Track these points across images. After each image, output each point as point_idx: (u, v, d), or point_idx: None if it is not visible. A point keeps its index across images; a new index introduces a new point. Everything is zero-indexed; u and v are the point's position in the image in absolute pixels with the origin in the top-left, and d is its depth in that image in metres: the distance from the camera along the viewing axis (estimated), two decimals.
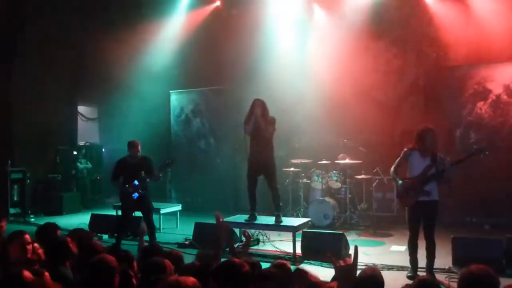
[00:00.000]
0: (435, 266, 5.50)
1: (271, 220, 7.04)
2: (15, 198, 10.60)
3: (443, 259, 5.79)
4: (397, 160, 5.61)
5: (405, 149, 5.55)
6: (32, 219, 10.14)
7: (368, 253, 6.73)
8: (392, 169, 5.64)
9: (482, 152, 5.39)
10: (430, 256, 5.42)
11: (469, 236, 6.43)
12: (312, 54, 10.76)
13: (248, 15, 11.05)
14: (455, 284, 2.93)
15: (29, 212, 10.54)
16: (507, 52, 8.71)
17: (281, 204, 7.13)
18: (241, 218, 7.30)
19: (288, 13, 10.91)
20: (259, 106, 6.71)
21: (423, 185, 5.32)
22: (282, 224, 6.93)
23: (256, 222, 7.04)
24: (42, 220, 8.59)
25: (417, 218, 5.46)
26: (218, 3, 11.69)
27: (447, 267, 5.74)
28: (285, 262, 3.14)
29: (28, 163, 10.87)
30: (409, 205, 5.49)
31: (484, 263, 2.59)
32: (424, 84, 8.94)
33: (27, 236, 3.85)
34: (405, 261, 5.75)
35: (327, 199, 8.64)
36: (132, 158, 6.84)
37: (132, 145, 6.83)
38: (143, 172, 6.72)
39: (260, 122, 6.62)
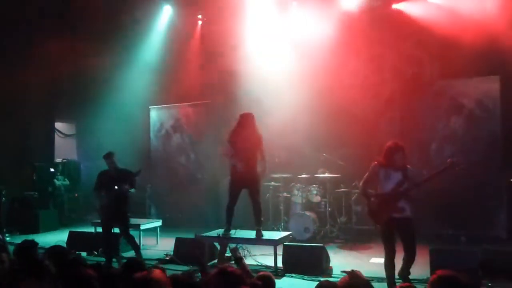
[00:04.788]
0: (414, 277, 5.58)
1: (251, 234, 7.05)
2: None
3: (421, 269, 5.90)
4: (366, 175, 5.41)
5: (374, 164, 5.34)
6: (8, 238, 9.89)
7: (348, 265, 6.80)
8: (361, 184, 5.45)
9: (457, 166, 5.14)
10: (408, 263, 5.21)
11: (446, 248, 6.58)
12: (291, 70, 10.92)
13: (228, 30, 11.20)
14: None
15: (4, 230, 10.28)
16: (478, 68, 9.03)
17: (262, 219, 7.13)
18: (221, 232, 7.28)
19: (268, 29, 11.09)
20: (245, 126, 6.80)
21: (396, 201, 5.12)
22: (263, 238, 6.94)
23: (237, 236, 7.02)
24: (18, 239, 8.40)
25: (392, 235, 5.21)
26: (197, 17, 11.80)
27: (425, 277, 5.84)
28: (269, 274, 3.18)
29: (3, 181, 10.63)
30: (382, 222, 5.21)
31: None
32: (400, 100, 9.16)
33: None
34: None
35: (307, 213, 8.70)
36: (110, 170, 6.82)
37: (105, 157, 6.83)
38: (117, 184, 6.60)
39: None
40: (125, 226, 6.89)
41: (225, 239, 6.78)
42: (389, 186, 5.17)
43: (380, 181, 5.25)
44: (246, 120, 6.82)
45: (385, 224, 5.19)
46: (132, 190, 6.71)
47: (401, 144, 5.28)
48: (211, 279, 2.62)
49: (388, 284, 5.31)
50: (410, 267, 5.25)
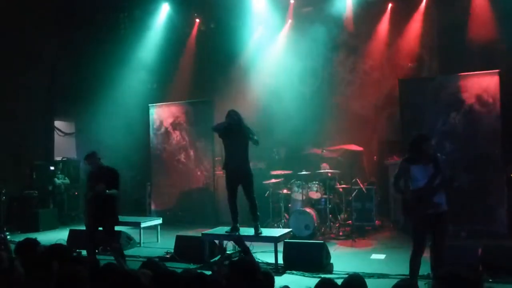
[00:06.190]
0: None
1: (251, 231, 7.05)
2: None
3: (422, 265, 5.88)
4: (396, 173, 5.32)
5: (402, 162, 5.25)
6: (8, 236, 9.88)
7: (349, 262, 6.81)
8: (393, 182, 5.38)
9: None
10: (436, 261, 5.09)
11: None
12: (291, 66, 10.92)
13: (227, 28, 11.19)
14: None
15: (4, 229, 10.27)
16: (478, 63, 9.02)
17: (258, 213, 7.14)
18: (222, 230, 7.30)
19: (266, 26, 11.09)
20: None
21: (432, 196, 4.95)
22: (264, 235, 6.95)
23: (237, 233, 7.02)
24: (18, 237, 8.40)
25: (425, 232, 5.09)
26: (196, 15, 11.79)
27: (426, 273, 5.83)
28: (268, 271, 3.18)
29: (2, 180, 10.62)
30: (418, 219, 5.06)
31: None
32: (399, 95, 9.15)
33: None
34: (385, 269, 5.83)
35: (307, 209, 8.69)
36: (93, 169, 6.57)
37: (84, 160, 6.63)
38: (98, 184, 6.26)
39: None
40: (107, 230, 6.38)
41: (228, 237, 6.78)
42: (423, 181, 4.97)
43: (411, 178, 5.06)
44: (229, 118, 6.82)
45: (420, 221, 5.03)
46: (113, 191, 6.30)
47: (426, 134, 5.24)
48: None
49: (410, 276, 5.16)
50: (439, 265, 5.05)
